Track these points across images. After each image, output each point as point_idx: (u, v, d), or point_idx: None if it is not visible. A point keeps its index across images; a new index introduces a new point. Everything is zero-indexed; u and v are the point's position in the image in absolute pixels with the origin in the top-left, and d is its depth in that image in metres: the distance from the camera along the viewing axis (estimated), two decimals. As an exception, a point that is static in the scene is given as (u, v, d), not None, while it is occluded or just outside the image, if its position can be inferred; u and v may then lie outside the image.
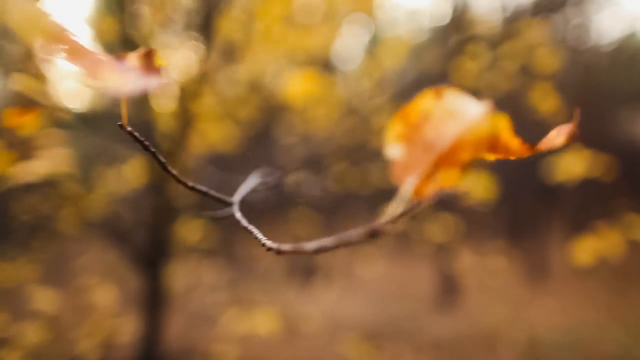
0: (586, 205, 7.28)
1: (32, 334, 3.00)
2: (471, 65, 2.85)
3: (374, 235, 0.33)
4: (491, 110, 0.35)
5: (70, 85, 4.21)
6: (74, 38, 0.39)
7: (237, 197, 0.54)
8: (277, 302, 5.55)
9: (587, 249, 2.89)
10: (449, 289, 6.53)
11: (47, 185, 2.88)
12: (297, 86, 2.57)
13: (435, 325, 5.57)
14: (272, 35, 3.25)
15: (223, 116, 3.37)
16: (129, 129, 0.44)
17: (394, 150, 0.36)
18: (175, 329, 3.78)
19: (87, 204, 2.88)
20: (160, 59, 0.42)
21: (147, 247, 2.82)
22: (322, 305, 6.07)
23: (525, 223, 8.16)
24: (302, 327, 5.18)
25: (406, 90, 3.29)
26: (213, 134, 3.36)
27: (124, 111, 0.43)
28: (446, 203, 4.16)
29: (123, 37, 3.10)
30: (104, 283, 3.56)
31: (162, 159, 0.47)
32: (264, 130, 4.73)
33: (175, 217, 2.95)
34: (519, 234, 8.15)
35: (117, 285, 3.61)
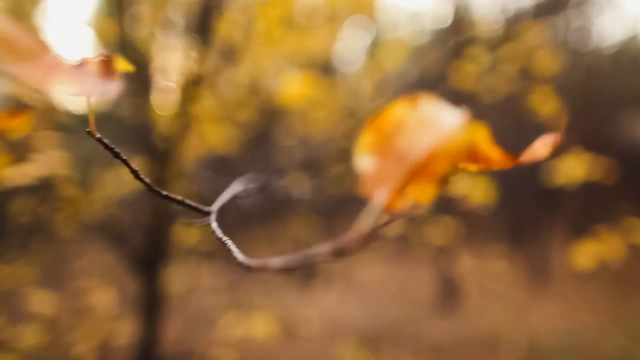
0: (588, 209, 7.26)
1: (29, 336, 2.99)
2: (471, 68, 2.83)
3: (340, 253, 0.31)
4: (469, 119, 0.33)
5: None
6: (28, 40, 0.37)
7: (215, 206, 0.52)
8: (277, 305, 5.53)
9: (587, 253, 2.88)
10: (449, 292, 6.51)
11: (45, 188, 2.87)
12: (293, 88, 2.55)
13: (435, 329, 5.56)
14: (271, 37, 3.24)
15: (222, 118, 3.36)
16: (98, 135, 0.43)
17: (364, 161, 0.34)
18: (174, 332, 3.77)
19: (85, 206, 2.87)
20: (121, 64, 0.41)
21: (145, 250, 2.81)
22: (322, 308, 6.06)
23: (526, 226, 8.14)
24: (302, 330, 5.17)
25: (407, 92, 3.28)
26: (212, 136, 3.35)
27: (91, 118, 0.41)
28: (446, 206, 4.14)
29: (122, 39, 3.10)
30: (102, 285, 3.55)
31: (134, 167, 0.46)
32: (264, 133, 4.72)
33: (174, 219, 2.93)
34: (520, 237, 8.13)
35: (115, 287, 3.60)
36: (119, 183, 3.16)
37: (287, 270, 0.32)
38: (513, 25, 3.07)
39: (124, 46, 3.11)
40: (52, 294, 3.28)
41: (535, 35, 2.97)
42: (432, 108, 0.34)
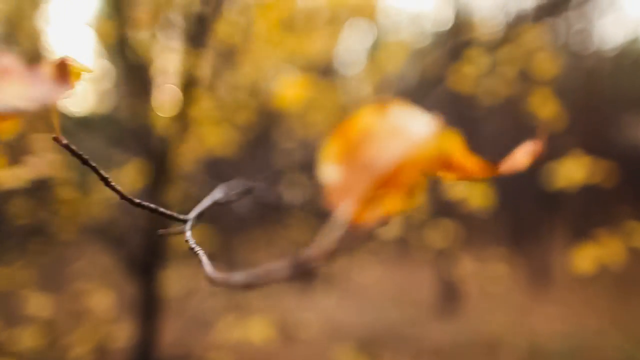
0: (589, 212, 7.25)
1: (27, 339, 2.98)
2: (470, 70, 2.82)
3: (300, 271, 0.30)
4: (441, 126, 0.31)
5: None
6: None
7: (192, 214, 0.51)
8: (276, 308, 5.52)
9: (587, 257, 2.87)
10: (449, 295, 6.49)
11: (43, 190, 2.86)
12: (289, 91, 2.54)
13: (435, 332, 5.54)
14: (271, 39, 3.23)
15: (221, 120, 3.35)
16: (65, 141, 0.42)
17: (329, 171, 0.32)
18: (172, 335, 3.75)
19: (84, 208, 2.86)
20: (77, 67, 0.39)
21: (143, 252, 2.80)
22: (321, 311, 6.04)
23: (527, 229, 8.12)
24: (301, 333, 5.15)
25: (407, 94, 3.27)
26: (211, 138, 3.34)
27: (55, 122, 0.40)
28: (446, 209, 4.12)
29: (121, 41, 3.09)
30: (100, 288, 3.54)
31: (104, 174, 0.45)
32: (263, 135, 4.72)
33: (171, 222, 2.92)
34: (521, 239, 8.11)
35: (113, 290, 3.59)
36: (117, 185, 3.15)
37: (248, 287, 0.31)
38: (513, 27, 3.06)
39: (123, 48, 3.10)
40: (50, 297, 3.27)
41: (534, 37, 2.96)
42: (402, 115, 0.32)
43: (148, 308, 2.87)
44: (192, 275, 4.05)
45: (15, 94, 0.32)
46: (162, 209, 0.50)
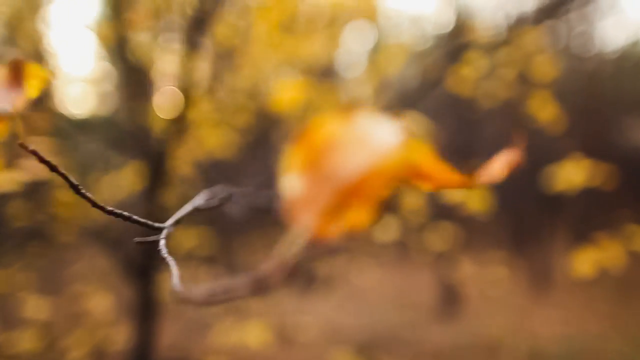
0: (590, 215, 7.22)
1: (24, 341, 2.97)
2: (469, 72, 2.81)
3: (259, 286, 0.28)
4: (409, 135, 0.30)
5: (72, 91, 4.22)
6: None
7: (169, 222, 0.49)
8: (275, 311, 5.50)
9: (587, 260, 2.85)
10: (449, 298, 6.47)
11: (41, 192, 2.86)
12: (286, 94, 2.53)
13: (435, 335, 5.53)
14: (270, 41, 3.23)
15: (220, 123, 3.35)
16: (31, 147, 0.41)
17: (292, 182, 0.30)
18: (169, 338, 3.75)
19: (82, 211, 2.85)
20: (33, 71, 0.38)
21: (140, 255, 2.79)
22: (321, 314, 6.03)
23: (528, 232, 8.10)
24: (299, 336, 5.14)
25: (407, 96, 3.26)
26: (211, 141, 3.33)
27: (18, 128, 0.39)
28: (446, 211, 4.11)
29: (120, 43, 3.09)
30: (98, 291, 3.53)
31: (74, 181, 0.44)
32: (263, 137, 4.70)
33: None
34: (521, 242, 8.09)
35: (111, 293, 3.58)
36: (115, 188, 3.15)
37: (208, 303, 0.29)
38: (513, 29, 3.05)
39: (122, 50, 3.10)
40: (48, 299, 3.26)
41: (533, 39, 2.95)
42: (368, 123, 0.30)
43: (146, 311, 2.86)
44: (191, 277, 4.05)
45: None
46: (135, 217, 0.49)
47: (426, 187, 0.33)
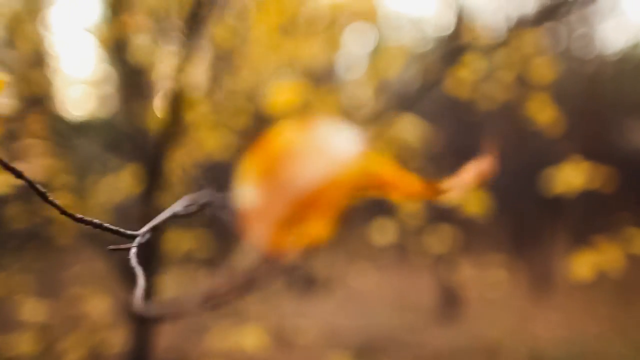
0: (591, 217, 7.21)
1: (21, 344, 2.97)
2: (467, 75, 2.80)
3: (210, 303, 0.27)
4: (368, 144, 0.29)
5: (73, 93, 4.22)
6: None
7: (143, 230, 0.48)
8: (274, 313, 5.49)
9: (585, 263, 2.84)
10: (449, 301, 6.46)
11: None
12: (281, 97, 2.52)
13: (435, 338, 5.51)
14: (269, 43, 3.22)
15: (219, 125, 3.34)
16: None
17: (246, 193, 0.29)
18: (167, 341, 3.74)
19: (80, 213, 2.84)
20: None
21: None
22: (320, 316, 6.02)
23: (528, 234, 8.09)
24: (299, 339, 5.13)
25: (406, 99, 3.25)
26: (209, 143, 3.33)
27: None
28: (446, 214, 4.11)
29: (117, 45, 3.09)
30: (95, 293, 3.53)
31: (41, 189, 0.43)
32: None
33: (166, 226, 2.90)
34: (522, 245, 8.08)
35: (108, 295, 3.57)
36: (112, 190, 3.14)
37: (162, 318, 0.29)
38: (511, 31, 3.04)
39: (119, 52, 3.10)
40: (45, 302, 3.25)
41: (532, 41, 2.94)
42: (326, 131, 0.29)
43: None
44: (189, 280, 4.04)
45: None
46: (106, 225, 0.48)
47: (393, 197, 0.32)
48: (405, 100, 2.97)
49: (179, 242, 3.29)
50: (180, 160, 3.00)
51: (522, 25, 2.85)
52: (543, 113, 2.84)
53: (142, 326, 2.83)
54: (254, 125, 3.60)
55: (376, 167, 0.29)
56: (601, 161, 3.00)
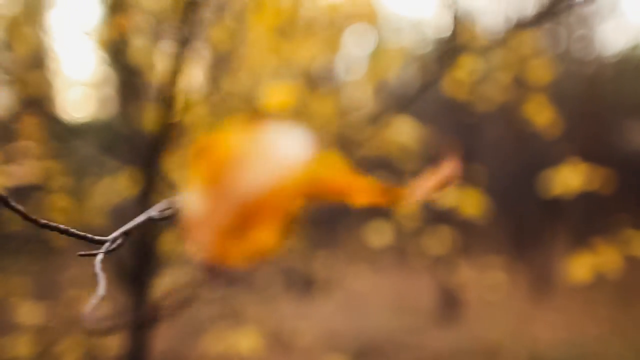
0: (592, 219, 7.20)
1: (18, 347, 2.96)
2: (465, 76, 2.79)
3: (152, 316, 0.26)
4: (319, 146, 0.27)
5: (73, 95, 4.22)
6: None
7: (112, 235, 0.47)
8: (273, 315, 5.48)
9: (583, 265, 2.84)
10: (448, 303, 6.44)
11: (37, 197, 2.85)
12: (275, 99, 2.51)
13: (434, 340, 5.50)
14: (267, 45, 3.21)
15: (216, 127, 3.33)
16: None
17: (189, 199, 0.27)
18: (164, 343, 3.73)
19: (77, 215, 2.84)
20: None
21: (134, 260, 2.77)
22: (320, 319, 6.01)
23: (528, 236, 8.08)
24: (298, 341, 5.12)
25: (403, 99, 3.25)
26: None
27: None
28: (445, 216, 4.09)
29: (114, 47, 3.08)
30: (92, 296, 3.51)
31: (3, 195, 0.42)
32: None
33: (163, 228, 2.89)
34: (522, 247, 8.07)
35: (105, 298, 3.56)
36: (110, 193, 3.13)
37: (112, 332, 0.28)
38: (509, 33, 3.04)
39: (117, 54, 3.09)
40: (43, 304, 3.25)
41: (529, 43, 2.93)
42: (275, 134, 0.28)
43: (140, 316, 2.84)
44: (189, 282, 4.02)
45: None
46: (72, 230, 0.47)
47: (348, 202, 0.30)
48: (401, 101, 2.96)
49: (178, 243, 3.28)
50: (178, 162, 2.99)
51: (520, 26, 2.84)
52: (540, 114, 2.83)
53: (139, 329, 2.82)
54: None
55: (327, 171, 0.28)
56: (600, 163, 2.99)
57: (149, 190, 2.70)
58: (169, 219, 0.48)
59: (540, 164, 3.66)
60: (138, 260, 2.77)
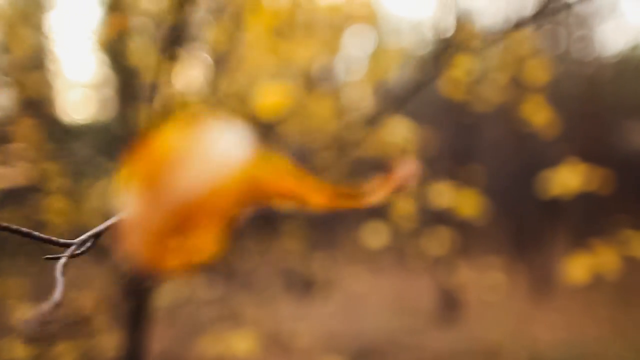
0: (591, 219, 7.19)
1: (13, 349, 2.95)
2: (462, 76, 2.79)
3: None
4: (260, 146, 0.26)
5: (72, 97, 4.21)
6: None
7: (80, 239, 0.46)
8: (272, 317, 5.48)
9: (582, 266, 2.83)
10: (448, 304, 6.44)
11: (34, 198, 2.85)
12: (269, 99, 2.51)
13: (434, 341, 5.49)
14: (265, 46, 3.21)
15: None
16: None
17: (124, 202, 0.26)
18: (162, 345, 3.72)
19: (75, 217, 2.84)
20: None
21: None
22: (319, 320, 6.00)
23: (528, 236, 8.07)
24: (296, 343, 5.11)
25: (400, 99, 3.24)
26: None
27: None
28: (445, 216, 4.09)
29: (114, 48, 3.09)
30: (89, 297, 3.51)
31: None
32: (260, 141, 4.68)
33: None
34: (521, 247, 8.06)
35: (103, 299, 3.56)
36: (107, 194, 3.13)
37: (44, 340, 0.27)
38: (507, 33, 3.03)
39: (116, 55, 3.09)
40: (39, 306, 3.23)
41: (527, 43, 2.93)
42: (214, 134, 0.26)
43: (137, 318, 2.83)
44: (186, 283, 4.03)
45: None
46: (36, 233, 0.46)
47: (294, 204, 0.29)
48: (397, 101, 2.95)
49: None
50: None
51: (518, 25, 2.83)
52: (538, 115, 2.83)
53: (136, 330, 2.82)
54: (252, 128, 3.59)
55: (270, 172, 0.26)
56: (600, 163, 2.98)
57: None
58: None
59: (539, 164, 3.65)
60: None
